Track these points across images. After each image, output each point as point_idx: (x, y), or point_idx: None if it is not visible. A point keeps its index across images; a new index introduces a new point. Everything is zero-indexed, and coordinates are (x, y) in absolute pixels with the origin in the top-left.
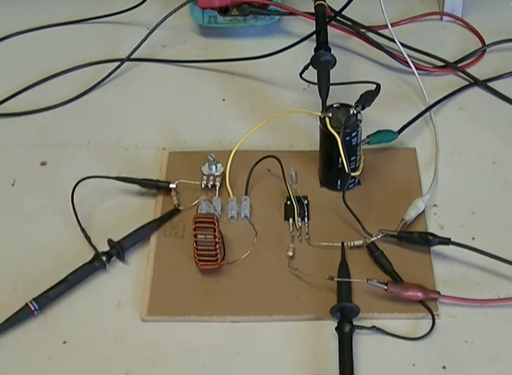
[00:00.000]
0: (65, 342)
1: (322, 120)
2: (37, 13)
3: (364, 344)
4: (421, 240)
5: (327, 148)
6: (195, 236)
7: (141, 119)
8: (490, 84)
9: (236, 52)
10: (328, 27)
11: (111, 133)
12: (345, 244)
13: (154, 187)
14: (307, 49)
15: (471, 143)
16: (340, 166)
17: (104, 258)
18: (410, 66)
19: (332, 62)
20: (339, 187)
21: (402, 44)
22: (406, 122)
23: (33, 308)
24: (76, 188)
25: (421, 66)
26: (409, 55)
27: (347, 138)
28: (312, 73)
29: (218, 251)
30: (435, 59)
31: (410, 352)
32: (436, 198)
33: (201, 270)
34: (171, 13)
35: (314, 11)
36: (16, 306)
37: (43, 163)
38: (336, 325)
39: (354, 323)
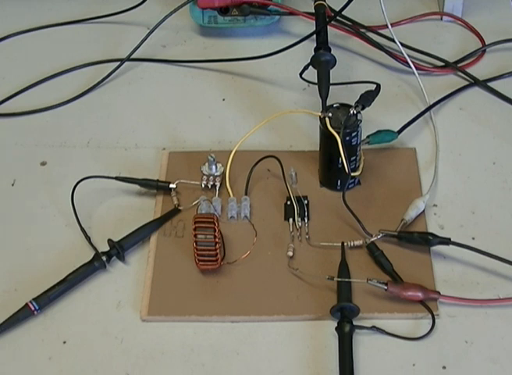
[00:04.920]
0: (65, 342)
1: (322, 120)
2: (37, 13)
3: (364, 344)
4: (421, 240)
5: (327, 148)
6: (195, 236)
7: (141, 119)
8: (490, 84)
9: (236, 52)
10: (328, 27)
11: (111, 133)
12: (345, 244)
13: (154, 187)
14: (307, 49)
15: (471, 143)
16: (340, 166)
17: (104, 259)
18: (410, 66)
19: (332, 62)
20: (339, 187)
21: (402, 44)
22: (406, 122)
23: (33, 308)
24: (76, 188)
25: (421, 66)
26: (409, 55)
27: (347, 138)
28: (312, 73)
29: (218, 251)
30: (435, 59)
31: (410, 352)
32: (436, 198)
33: (201, 270)
34: (171, 13)
35: (314, 11)
36: (16, 306)
37: (43, 163)
38: (336, 325)
39: (354, 323)
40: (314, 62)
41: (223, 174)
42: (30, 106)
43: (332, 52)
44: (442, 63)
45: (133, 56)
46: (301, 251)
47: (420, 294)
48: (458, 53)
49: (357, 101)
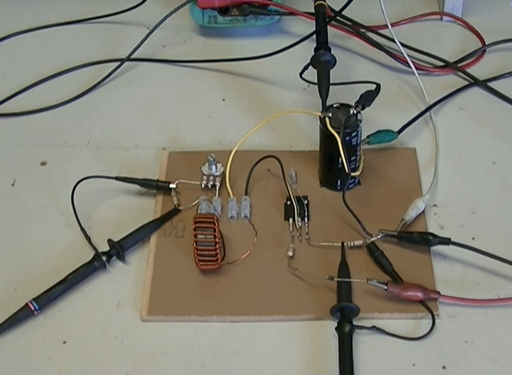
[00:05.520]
0: (65, 342)
1: (322, 120)
2: (37, 13)
3: (364, 344)
4: (421, 240)
5: (327, 148)
6: (195, 236)
7: (141, 119)
8: (490, 84)
9: (236, 52)
10: (328, 27)
11: (111, 133)
12: (345, 244)
13: (154, 187)
14: (307, 49)
15: (471, 143)
16: (340, 166)
17: (104, 259)
18: (410, 66)
19: (332, 62)
20: (339, 187)
21: (402, 44)
22: (406, 122)
23: (33, 308)
24: (76, 188)
25: (421, 66)
26: (409, 55)
27: (347, 138)
28: (312, 73)
29: (218, 251)
30: (435, 59)
31: (410, 352)
32: (436, 198)
33: (201, 270)
34: (171, 13)
35: (314, 11)
36: (16, 306)
37: (43, 163)
38: (336, 325)
39: (354, 323)
40: (314, 62)
41: (223, 174)
42: (30, 106)
43: (332, 52)
44: (442, 63)
45: (133, 56)
46: (301, 251)
47: (420, 294)
48: (458, 53)
49: (357, 101)
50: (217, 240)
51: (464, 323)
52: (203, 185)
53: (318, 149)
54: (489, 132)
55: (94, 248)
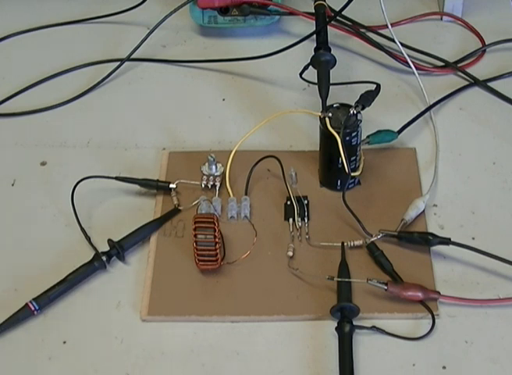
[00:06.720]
0: (65, 342)
1: (322, 120)
2: (37, 13)
3: (364, 344)
4: (421, 240)
5: (327, 148)
6: (195, 236)
7: (141, 119)
8: (490, 84)
9: (236, 52)
10: (328, 27)
11: (111, 133)
12: (345, 244)
13: (154, 187)
14: (307, 49)
15: (471, 143)
16: (340, 166)
17: (104, 259)
18: (410, 66)
19: (332, 62)
20: (339, 187)
21: (402, 44)
22: (406, 122)
23: (33, 308)
24: (76, 188)
25: (421, 66)
26: (409, 55)
27: (347, 138)
28: (312, 73)
29: (218, 251)
30: (435, 59)
31: (410, 352)
32: (436, 198)
33: (201, 270)
34: (171, 13)
35: (314, 11)
36: (16, 306)
37: (43, 163)
38: (336, 325)
39: (354, 323)
40: (314, 62)
41: (223, 174)
42: (30, 106)
43: (332, 52)
44: (442, 63)
45: (133, 56)
46: (301, 251)
47: (420, 294)
48: (458, 53)
49: (357, 101)
50: (217, 240)
51: (464, 323)
52: (203, 185)
53: (318, 149)
54: (489, 132)
55: (94, 248)
